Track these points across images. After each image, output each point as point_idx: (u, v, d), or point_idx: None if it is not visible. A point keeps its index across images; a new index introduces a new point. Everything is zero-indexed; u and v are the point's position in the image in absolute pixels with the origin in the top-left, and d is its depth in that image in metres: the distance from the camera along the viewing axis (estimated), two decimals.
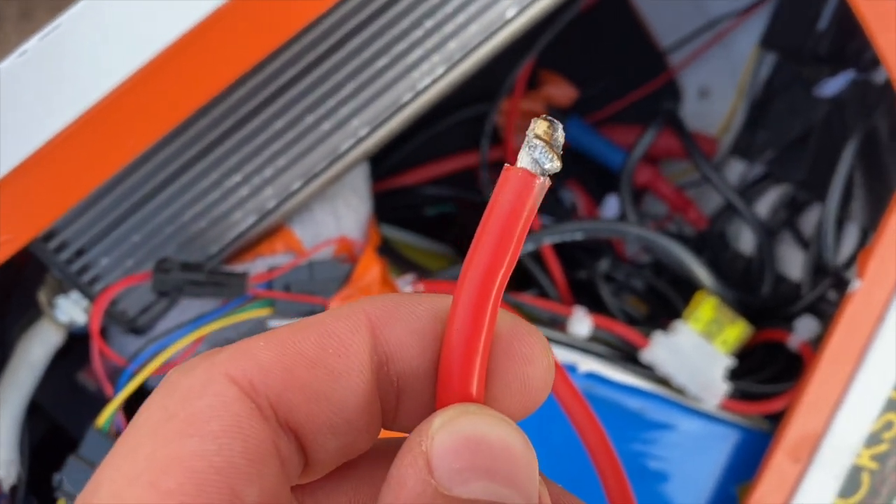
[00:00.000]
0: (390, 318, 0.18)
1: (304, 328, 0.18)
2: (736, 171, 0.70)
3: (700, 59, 0.73)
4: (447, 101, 0.47)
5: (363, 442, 0.19)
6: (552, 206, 0.66)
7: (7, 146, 0.37)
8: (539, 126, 0.17)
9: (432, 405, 0.18)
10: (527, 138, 0.17)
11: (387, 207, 0.67)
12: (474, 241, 0.17)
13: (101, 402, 0.48)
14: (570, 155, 0.71)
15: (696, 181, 0.72)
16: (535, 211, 0.17)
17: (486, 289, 0.17)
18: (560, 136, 0.17)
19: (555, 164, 0.17)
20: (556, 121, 0.17)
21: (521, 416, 0.19)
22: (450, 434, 0.17)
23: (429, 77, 0.44)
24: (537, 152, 0.17)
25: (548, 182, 0.17)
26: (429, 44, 0.43)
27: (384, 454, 0.19)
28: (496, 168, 0.66)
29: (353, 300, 0.43)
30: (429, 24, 0.43)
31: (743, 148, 0.69)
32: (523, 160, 0.17)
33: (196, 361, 0.18)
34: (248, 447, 0.17)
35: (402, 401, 0.19)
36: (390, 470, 0.17)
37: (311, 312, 0.44)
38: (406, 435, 0.18)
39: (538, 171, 0.17)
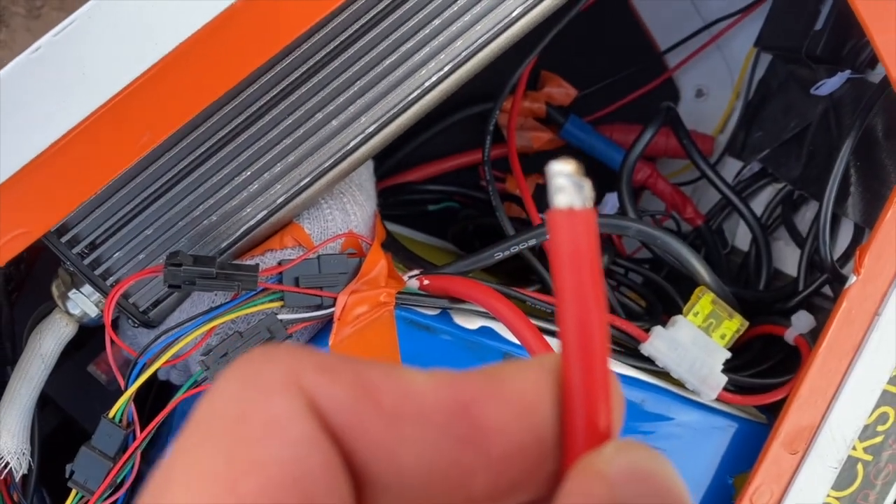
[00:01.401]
0: (488, 395, 0.17)
1: (391, 377, 0.17)
2: (732, 169, 0.71)
3: (697, 60, 0.74)
4: (450, 100, 0.48)
5: None
6: None
7: (22, 141, 0.38)
8: (561, 166, 0.16)
9: (540, 473, 0.17)
10: (553, 181, 0.16)
11: (391, 204, 0.68)
12: (557, 294, 0.17)
13: (111, 394, 0.49)
14: (569, 153, 0.72)
15: (692, 179, 0.73)
16: (598, 238, 0.17)
17: (589, 333, 0.17)
18: (580, 166, 0.17)
19: (588, 190, 0.17)
20: (566, 157, 0.17)
21: None
22: (628, 462, 0.16)
23: (436, 75, 0.45)
24: (572, 186, 0.16)
25: (593, 208, 0.17)
26: (436, 42, 0.44)
27: None
28: (498, 165, 0.67)
29: (364, 296, 0.44)
30: (436, 22, 0.44)
31: (739, 147, 0.70)
32: (562, 200, 0.16)
33: (277, 354, 0.17)
34: (326, 460, 0.16)
35: (507, 472, 0.17)
36: (562, 487, 0.16)
37: (321, 306, 0.45)
38: None
39: (581, 202, 0.16)
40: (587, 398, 0.17)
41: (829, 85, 0.58)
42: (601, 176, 0.72)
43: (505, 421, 0.17)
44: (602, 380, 0.17)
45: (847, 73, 0.57)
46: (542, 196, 0.68)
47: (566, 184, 0.16)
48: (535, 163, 0.71)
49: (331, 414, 0.16)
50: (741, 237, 0.69)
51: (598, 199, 0.71)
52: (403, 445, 0.16)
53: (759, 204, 0.66)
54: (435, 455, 0.16)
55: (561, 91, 0.70)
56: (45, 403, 0.56)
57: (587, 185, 0.16)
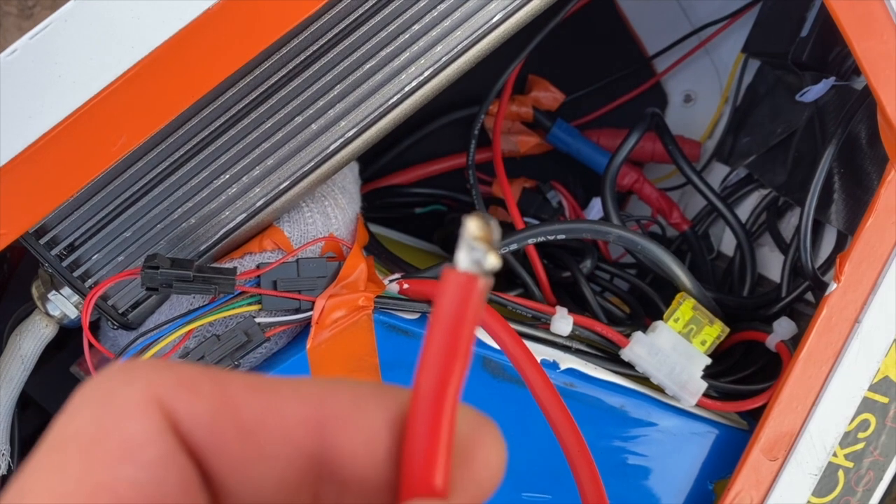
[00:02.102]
0: (347, 422, 0.17)
1: (257, 392, 0.17)
2: (718, 175, 0.71)
3: (685, 65, 0.74)
4: (437, 103, 0.48)
5: None
6: (540, 208, 0.67)
7: None
8: (474, 226, 0.16)
9: (381, 500, 0.18)
10: (463, 239, 0.17)
11: (377, 206, 0.68)
12: (424, 345, 0.17)
13: None
14: (556, 158, 0.73)
15: (679, 184, 0.73)
16: (482, 308, 0.17)
17: (442, 394, 0.17)
18: (496, 231, 0.17)
19: (494, 262, 0.17)
20: (488, 216, 0.17)
21: None
22: None
23: (416, 80, 0.45)
24: (476, 253, 0.17)
25: (490, 280, 0.17)
26: (416, 47, 0.44)
27: None
28: (484, 168, 0.67)
29: (342, 300, 0.44)
30: (416, 27, 0.44)
31: (726, 153, 0.70)
32: (463, 262, 0.17)
33: (135, 373, 0.17)
34: (182, 480, 0.16)
35: (346, 495, 0.18)
36: None
37: (299, 309, 0.45)
38: None
39: (479, 271, 0.17)
40: (426, 449, 0.17)
41: (813, 92, 0.58)
42: (587, 180, 0.72)
43: (355, 448, 0.17)
44: (446, 436, 0.17)
45: (832, 80, 0.57)
46: (527, 200, 0.68)
47: (475, 247, 0.16)
48: (523, 167, 0.72)
49: (190, 430, 0.16)
50: (727, 243, 0.69)
51: (585, 204, 0.71)
52: (262, 462, 0.17)
53: (745, 210, 0.66)
54: (291, 472, 0.17)
55: (548, 95, 0.70)
56: (27, 405, 0.56)
57: (493, 257, 0.16)
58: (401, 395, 0.18)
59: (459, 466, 0.18)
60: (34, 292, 0.47)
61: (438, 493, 0.17)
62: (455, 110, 0.70)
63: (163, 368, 0.17)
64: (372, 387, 0.18)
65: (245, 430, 0.17)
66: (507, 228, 0.59)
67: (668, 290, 0.58)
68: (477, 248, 0.17)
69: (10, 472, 0.49)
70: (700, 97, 0.75)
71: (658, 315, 0.53)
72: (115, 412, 0.16)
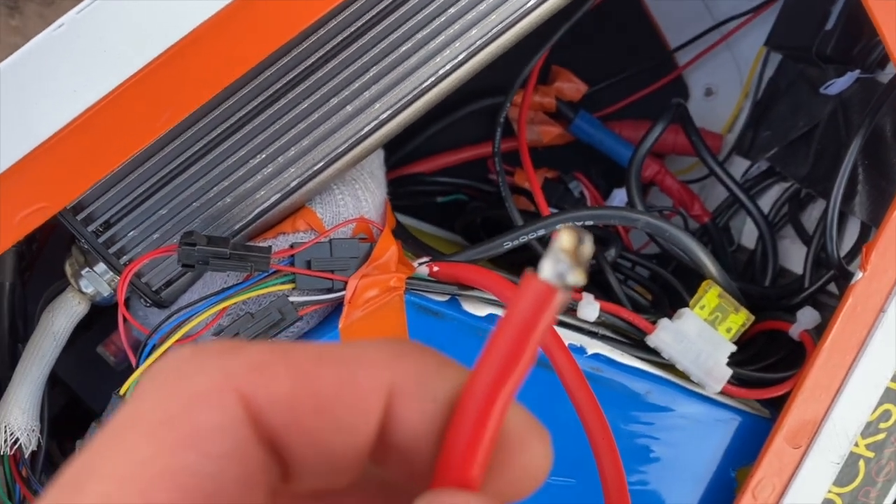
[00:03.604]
0: (409, 393, 0.18)
1: (330, 363, 0.17)
2: (739, 169, 0.71)
3: (707, 58, 0.75)
4: (461, 93, 0.49)
5: (345, 480, 0.18)
6: (562, 198, 0.67)
7: (43, 117, 0.38)
8: (566, 238, 0.16)
9: (420, 469, 0.18)
10: (552, 249, 0.16)
11: (400, 194, 0.69)
12: (490, 341, 0.17)
13: (118, 375, 0.50)
14: (578, 149, 0.73)
15: (700, 177, 0.73)
16: (553, 321, 0.17)
17: (495, 394, 0.17)
18: (588, 250, 0.16)
19: (577, 279, 0.16)
20: (584, 232, 0.16)
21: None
22: None
23: (450, 63, 0.45)
24: (561, 266, 0.16)
25: (570, 295, 0.17)
26: (451, 31, 0.45)
27: (364, 489, 0.19)
28: (507, 158, 0.67)
29: (374, 280, 0.45)
30: (452, 11, 0.44)
31: (747, 146, 0.71)
32: (546, 270, 0.16)
33: (212, 357, 0.17)
34: (245, 474, 0.16)
35: (391, 458, 0.18)
36: None
37: (332, 289, 0.45)
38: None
39: (560, 283, 0.16)
40: (467, 440, 0.17)
41: (838, 84, 0.59)
42: (609, 172, 0.73)
43: (411, 419, 0.18)
44: (490, 433, 0.17)
45: (857, 73, 0.58)
46: (549, 191, 0.68)
47: (561, 259, 0.16)
48: (545, 157, 0.72)
49: (268, 415, 0.17)
50: (747, 235, 0.69)
51: (607, 195, 0.71)
52: (337, 433, 0.17)
53: (766, 202, 0.67)
54: (361, 440, 0.17)
55: (571, 86, 0.71)
56: (55, 384, 0.56)
57: (577, 273, 0.16)
58: (463, 376, 0.18)
59: (499, 464, 0.18)
60: (67, 269, 0.48)
61: (470, 485, 0.17)
62: (478, 100, 0.70)
63: (235, 353, 0.17)
64: (438, 359, 0.18)
65: (321, 404, 0.17)
66: (532, 218, 0.59)
67: (689, 280, 0.58)
68: (563, 261, 0.16)
69: (39, 448, 0.49)
70: (721, 91, 0.76)
71: (680, 303, 0.54)
72: (188, 398, 0.16)
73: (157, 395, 0.16)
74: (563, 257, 0.16)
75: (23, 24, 0.93)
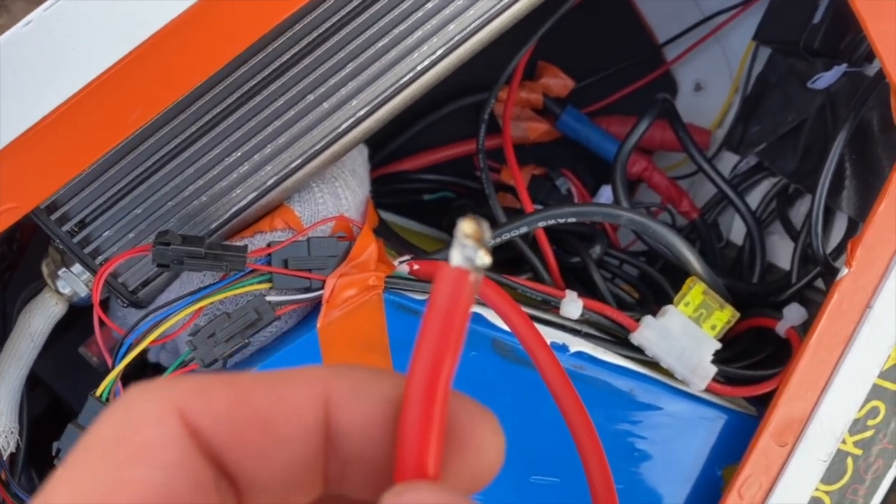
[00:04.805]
0: (348, 400, 0.19)
1: (265, 384, 0.19)
2: (728, 164, 0.71)
3: (695, 53, 0.74)
4: (446, 89, 0.48)
5: (300, 499, 0.19)
6: (549, 195, 0.67)
7: (12, 115, 0.38)
8: (466, 226, 0.18)
9: (379, 482, 0.19)
10: (456, 238, 0.18)
11: (386, 192, 0.68)
12: (419, 335, 0.18)
13: (101, 374, 0.49)
14: (566, 145, 0.72)
15: (688, 173, 0.73)
16: (473, 303, 0.18)
17: (434, 381, 0.18)
18: (487, 232, 0.18)
19: (485, 260, 0.18)
20: (480, 218, 0.18)
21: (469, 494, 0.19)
22: None
23: (428, 59, 0.45)
24: (468, 250, 0.18)
25: (482, 276, 0.18)
26: (428, 26, 0.44)
27: None
28: (492, 156, 0.67)
29: (353, 279, 0.44)
30: (429, 5, 0.44)
31: (736, 141, 0.70)
32: (456, 258, 0.18)
33: (155, 386, 0.18)
34: (194, 481, 0.17)
35: (349, 473, 0.19)
36: None
37: (309, 288, 0.45)
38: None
39: (471, 267, 0.18)
40: (417, 434, 0.18)
41: (825, 78, 0.58)
42: (597, 168, 0.72)
43: (354, 426, 0.19)
44: (437, 423, 0.18)
45: (843, 67, 0.57)
46: (536, 188, 0.68)
47: (466, 245, 0.18)
48: (532, 154, 0.71)
49: (209, 430, 0.18)
50: (736, 232, 0.69)
51: (594, 192, 0.71)
52: (278, 445, 0.18)
53: (755, 198, 0.66)
54: (304, 452, 0.18)
55: (558, 82, 0.70)
56: (36, 384, 0.56)
57: (484, 254, 0.18)
58: (399, 379, 0.19)
59: (453, 454, 0.19)
60: (44, 270, 0.47)
61: (429, 477, 0.18)
62: (464, 96, 0.70)
63: (178, 380, 0.19)
64: (372, 371, 0.19)
65: (260, 418, 0.18)
66: (516, 215, 0.59)
67: (677, 278, 0.58)
68: (468, 246, 0.18)
69: (18, 450, 0.49)
70: (710, 86, 0.75)
71: (667, 302, 0.53)
72: (136, 421, 0.18)
73: (109, 422, 0.18)
74: (469, 242, 0.18)
75: (10, 22, 0.93)
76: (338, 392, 0.19)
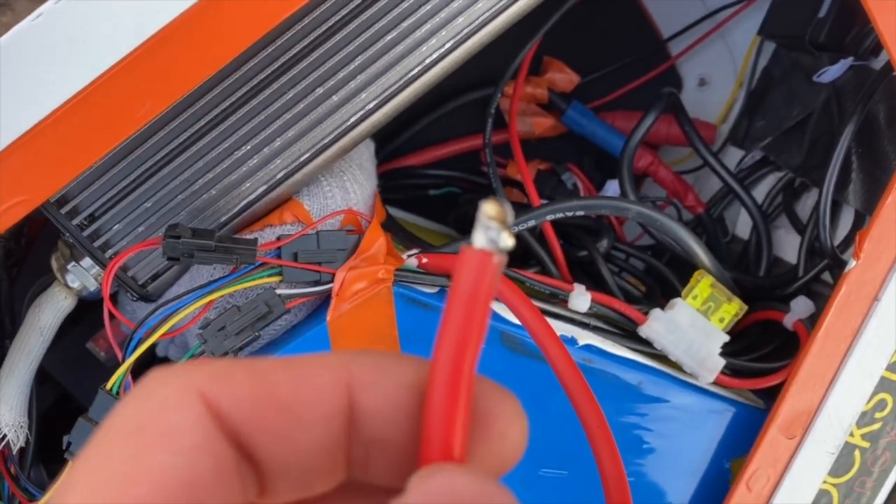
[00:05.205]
0: (370, 384, 0.19)
1: (286, 368, 0.18)
2: (733, 159, 0.71)
3: (700, 48, 0.74)
4: (452, 84, 0.48)
5: (322, 485, 0.19)
6: (555, 189, 0.67)
7: (23, 108, 0.38)
8: (489, 207, 0.18)
9: (403, 466, 0.19)
10: (479, 220, 0.18)
11: (392, 187, 0.68)
12: (443, 318, 0.18)
13: (109, 370, 0.49)
14: (571, 140, 0.73)
15: (694, 168, 0.73)
16: (497, 285, 0.18)
17: (459, 363, 0.18)
18: (510, 213, 0.18)
19: (508, 241, 0.18)
20: (503, 199, 0.18)
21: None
22: (425, 486, 0.17)
23: (437, 52, 0.45)
24: (492, 232, 0.18)
25: (505, 258, 0.18)
26: (437, 19, 0.44)
27: (352, 495, 0.20)
28: (498, 151, 0.67)
29: (362, 272, 0.44)
30: None
31: (741, 136, 0.70)
32: (480, 239, 0.18)
33: (175, 371, 0.18)
34: (216, 465, 0.17)
35: (372, 458, 0.19)
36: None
37: (319, 282, 0.45)
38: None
39: (494, 248, 0.18)
40: (443, 418, 0.18)
41: (831, 72, 0.58)
42: (602, 163, 0.72)
43: (377, 409, 0.18)
44: (462, 406, 0.18)
45: (850, 61, 0.57)
46: (542, 182, 0.68)
47: (490, 227, 0.18)
48: (537, 149, 0.71)
49: (231, 414, 0.18)
50: (741, 226, 0.69)
51: (599, 186, 0.71)
52: (300, 428, 0.18)
53: (761, 192, 0.66)
54: (326, 436, 0.18)
55: (563, 77, 0.70)
56: (45, 379, 0.56)
57: (507, 236, 0.18)
58: (421, 364, 0.19)
59: (478, 438, 0.18)
60: (53, 264, 0.47)
61: (456, 460, 0.18)
62: (470, 91, 0.70)
63: (198, 364, 0.18)
64: (394, 355, 0.19)
65: (281, 402, 0.18)
66: (523, 209, 0.59)
67: (684, 271, 0.58)
68: (492, 228, 0.18)
69: (27, 444, 0.49)
70: (714, 81, 0.75)
71: (674, 295, 0.53)
72: (156, 406, 0.18)
73: (128, 409, 0.18)
74: (493, 224, 0.18)
75: (14, 20, 0.93)
76: (360, 376, 0.18)
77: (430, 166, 0.71)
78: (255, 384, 0.18)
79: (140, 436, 0.17)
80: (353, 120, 0.45)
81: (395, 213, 0.67)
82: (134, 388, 0.18)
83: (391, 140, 0.70)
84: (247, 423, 0.18)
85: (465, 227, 0.68)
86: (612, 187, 0.69)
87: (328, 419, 0.18)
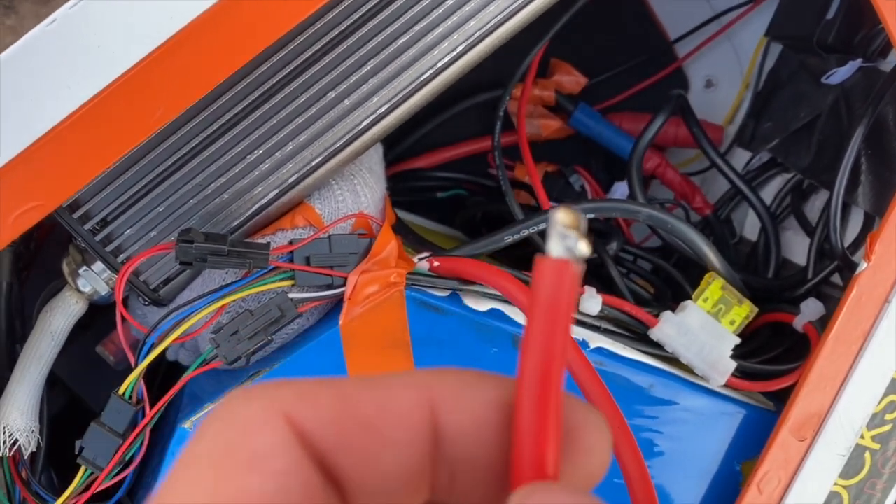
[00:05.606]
0: (454, 402, 0.18)
1: (370, 388, 0.18)
2: (740, 161, 0.71)
3: (706, 50, 0.74)
4: (460, 87, 0.48)
5: None
6: (563, 192, 0.67)
7: (37, 114, 0.38)
8: (563, 215, 0.17)
9: (490, 486, 0.18)
10: (554, 228, 0.17)
11: (400, 190, 0.68)
12: (526, 332, 0.18)
13: (118, 375, 0.49)
14: (579, 142, 0.73)
15: (701, 169, 0.73)
16: (577, 295, 0.17)
17: (547, 378, 0.18)
18: (584, 220, 0.17)
19: (586, 249, 0.17)
20: (576, 207, 0.17)
21: None
22: None
23: (449, 56, 0.45)
24: (569, 241, 0.17)
25: (583, 266, 0.17)
26: (449, 23, 0.44)
27: None
28: (508, 152, 0.67)
29: (374, 276, 0.44)
30: (450, 2, 0.44)
31: (748, 138, 0.70)
32: (556, 249, 0.17)
33: (258, 392, 0.18)
34: (305, 489, 0.17)
35: (458, 478, 0.18)
36: None
37: (331, 285, 0.45)
38: None
39: (572, 257, 0.17)
40: (535, 434, 0.18)
41: (840, 74, 0.58)
42: (610, 165, 0.72)
43: (463, 428, 0.18)
44: (553, 421, 0.18)
45: (858, 62, 0.57)
46: (549, 184, 0.68)
47: (567, 235, 0.17)
48: (545, 150, 0.71)
49: (316, 435, 0.18)
50: (749, 228, 0.69)
51: (608, 188, 0.71)
52: (385, 449, 0.18)
53: (769, 194, 0.66)
54: (411, 456, 0.18)
55: (571, 79, 0.70)
56: (54, 383, 0.56)
57: (584, 244, 0.17)
58: (503, 381, 0.19)
59: (567, 453, 0.18)
60: (65, 269, 0.47)
61: (549, 478, 0.18)
62: (478, 94, 0.70)
63: (281, 385, 0.18)
64: (475, 372, 0.19)
65: (366, 423, 0.18)
66: (533, 212, 0.59)
67: (692, 273, 0.58)
68: (569, 236, 0.17)
69: (38, 449, 0.49)
70: (721, 82, 0.75)
71: (683, 296, 0.53)
72: (242, 428, 0.17)
73: (213, 430, 0.17)
74: (568, 232, 0.17)
75: (18, 23, 0.93)
76: (444, 394, 0.18)
77: (438, 168, 0.71)
78: (339, 405, 0.18)
79: (227, 459, 0.17)
80: (364, 124, 0.45)
81: (403, 215, 0.67)
82: (216, 410, 0.18)
83: (399, 142, 0.70)
84: (332, 445, 0.18)
85: (472, 229, 0.69)
86: (619, 189, 0.69)
87: (413, 439, 0.18)
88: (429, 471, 0.18)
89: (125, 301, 0.51)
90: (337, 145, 0.46)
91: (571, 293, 0.17)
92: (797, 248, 0.63)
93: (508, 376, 0.19)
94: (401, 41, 0.44)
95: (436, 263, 0.47)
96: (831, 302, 0.52)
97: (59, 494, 0.47)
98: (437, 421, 0.18)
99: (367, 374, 0.19)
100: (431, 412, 0.18)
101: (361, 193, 0.49)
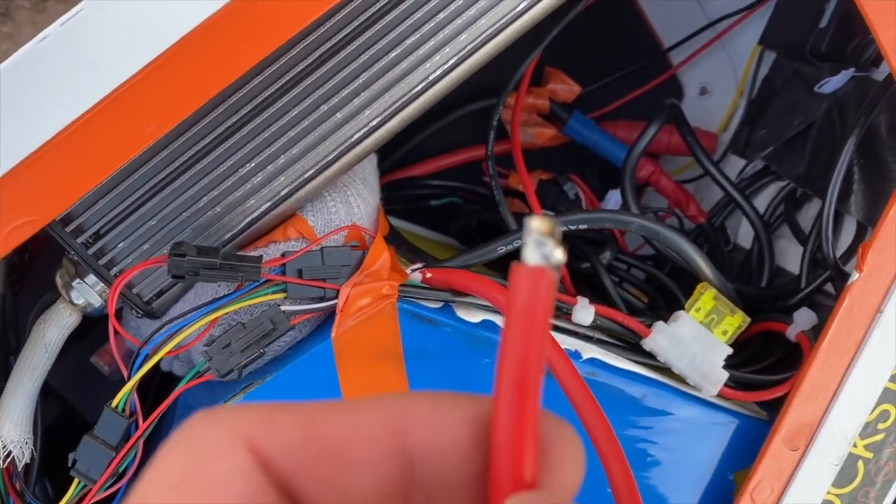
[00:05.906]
0: (426, 424, 0.18)
1: (335, 412, 0.18)
2: (734, 168, 0.71)
3: (701, 57, 0.74)
4: (454, 95, 0.48)
5: None
6: (557, 200, 0.67)
7: (28, 129, 0.38)
8: (539, 223, 0.17)
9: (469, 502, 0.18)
10: (530, 236, 0.17)
11: (394, 198, 0.69)
12: (503, 342, 0.18)
13: (113, 384, 0.50)
14: (573, 150, 0.73)
15: (695, 177, 0.73)
16: (554, 302, 0.17)
17: (525, 388, 0.17)
18: (559, 228, 0.17)
19: (561, 256, 0.17)
20: (550, 214, 0.17)
21: None
22: None
23: (441, 69, 0.45)
24: (545, 248, 0.17)
25: (558, 274, 0.17)
26: (441, 36, 0.44)
27: None
28: (502, 161, 0.67)
29: (367, 288, 0.45)
30: (441, 16, 0.44)
31: (742, 145, 0.71)
32: (532, 257, 0.17)
33: (218, 415, 0.18)
34: None
35: (435, 500, 0.18)
36: None
37: (324, 298, 0.45)
38: None
39: (548, 264, 0.17)
40: (513, 444, 0.17)
41: (832, 83, 0.58)
42: (604, 173, 0.73)
43: (437, 448, 0.18)
44: (531, 431, 0.17)
45: (851, 71, 0.57)
46: (543, 193, 0.68)
47: (543, 243, 0.17)
48: (539, 159, 0.72)
49: (278, 460, 0.17)
50: (743, 235, 0.69)
51: (601, 196, 0.71)
52: (350, 472, 0.17)
53: (762, 202, 0.66)
54: (380, 478, 0.18)
55: (565, 87, 0.70)
56: (48, 394, 0.56)
57: (560, 252, 0.17)
58: (477, 399, 0.18)
59: (541, 467, 0.18)
60: (58, 281, 0.47)
61: (529, 488, 0.18)
62: (471, 102, 0.70)
63: (243, 409, 0.18)
64: (447, 393, 0.19)
65: (330, 446, 0.17)
66: None
67: (685, 282, 0.58)
68: (545, 244, 0.17)
69: (33, 460, 0.49)
70: (716, 90, 0.76)
71: (676, 306, 0.53)
72: (202, 454, 0.17)
73: (174, 456, 0.17)
74: (544, 239, 0.17)
75: (15, 30, 0.93)
76: (415, 417, 0.18)
77: (432, 177, 0.71)
78: (302, 428, 0.17)
79: (186, 486, 0.17)
80: (356, 136, 0.46)
81: (397, 223, 0.67)
82: (176, 434, 0.18)
83: (393, 151, 0.70)
84: (295, 469, 0.17)
85: (466, 237, 0.69)
86: (613, 197, 0.70)
87: (380, 461, 0.18)
88: (402, 494, 0.18)
89: (118, 313, 0.51)
90: (329, 158, 0.46)
91: (548, 300, 0.17)
92: (791, 256, 0.63)
93: (484, 395, 0.18)
94: (393, 54, 0.44)
95: (428, 275, 0.48)
96: (824, 311, 0.52)
97: None
98: (409, 443, 0.18)
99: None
100: (400, 435, 0.18)
101: (354, 205, 0.49)
